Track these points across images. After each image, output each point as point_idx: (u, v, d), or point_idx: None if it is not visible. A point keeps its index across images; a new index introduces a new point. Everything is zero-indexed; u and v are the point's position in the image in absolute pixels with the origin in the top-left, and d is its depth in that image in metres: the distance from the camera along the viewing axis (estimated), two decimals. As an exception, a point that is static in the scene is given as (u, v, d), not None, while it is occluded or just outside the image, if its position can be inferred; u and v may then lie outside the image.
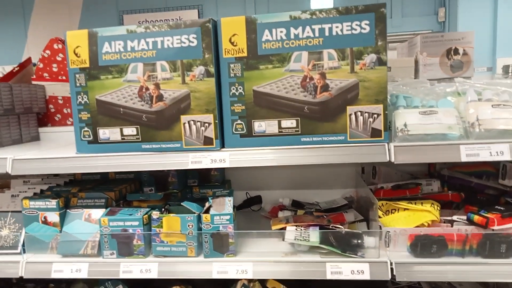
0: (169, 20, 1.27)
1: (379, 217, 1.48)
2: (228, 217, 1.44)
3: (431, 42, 2.03)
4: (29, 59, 2.25)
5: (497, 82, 1.47)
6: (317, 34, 1.31)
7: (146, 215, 1.50)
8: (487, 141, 1.28)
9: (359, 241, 1.42)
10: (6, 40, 6.18)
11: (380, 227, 1.45)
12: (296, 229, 1.50)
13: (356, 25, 1.29)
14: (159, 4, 6.40)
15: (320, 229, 1.48)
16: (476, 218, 1.40)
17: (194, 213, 1.47)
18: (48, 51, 2.11)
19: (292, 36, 1.32)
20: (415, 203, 1.49)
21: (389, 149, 1.31)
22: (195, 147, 1.40)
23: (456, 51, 2.01)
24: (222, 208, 1.47)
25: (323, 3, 6.10)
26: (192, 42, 1.35)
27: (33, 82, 2.10)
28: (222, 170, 1.99)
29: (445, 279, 1.38)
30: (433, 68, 2.03)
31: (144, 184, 1.85)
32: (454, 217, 1.48)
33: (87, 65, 1.41)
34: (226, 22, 1.34)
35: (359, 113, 1.33)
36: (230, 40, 1.35)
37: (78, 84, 1.43)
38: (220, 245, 1.45)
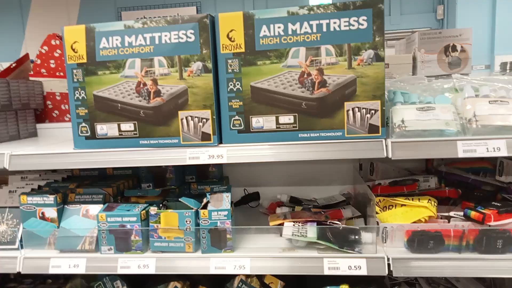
0: (167, 17, 1.27)
1: (377, 213, 1.48)
2: (226, 212, 1.44)
3: (429, 39, 2.03)
4: (26, 55, 2.24)
5: (494, 78, 1.48)
6: (314, 30, 1.31)
7: (144, 211, 1.50)
8: (484, 137, 1.28)
9: (357, 237, 1.43)
10: (3, 37, 6.15)
11: (377, 223, 1.45)
12: (293, 225, 1.50)
13: (354, 21, 1.29)
14: (157, 1, 6.38)
15: (317, 225, 1.48)
16: (473, 214, 1.40)
17: (192, 208, 1.47)
18: (45, 47, 2.10)
19: (290, 32, 1.32)
20: (412, 199, 1.50)
21: (386, 145, 1.31)
22: (192, 143, 1.40)
23: (454, 48, 2.02)
24: (220, 204, 1.47)
25: None
26: (190, 37, 1.35)
27: (31, 78, 2.10)
28: (220, 166, 1.99)
29: (442, 274, 1.39)
30: (431, 65, 2.03)
31: (142, 180, 1.85)
32: (451, 213, 1.48)
33: (85, 60, 1.41)
34: (223, 17, 1.34)
35: (356, 109, 1.33)
36: (227, 35, 1.35)
37: (75, 80, 1.43)
38: (218, 240, 1.45)
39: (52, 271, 1.49)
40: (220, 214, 1.44)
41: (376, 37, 1.29)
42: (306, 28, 1.32)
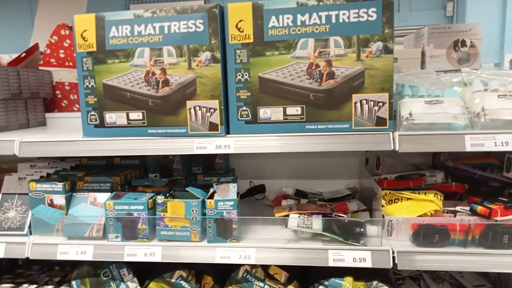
0: (176, 6, 1.28)
1: (382, 206, 1.48)
2: (232, 203, 1.45)
3: (438, 34, 2.02)
4: (36, 45, 2.26)
5: (503, 72, 1.47)
6: (323, 21, 1.31)
7: (151, 200, 1.51)
8: (492, 131, 1.28)
9: (362, 229, 1.43)
10: (12, 29, 6.20)
11: (383, 216, 1.45)
12: (299, 216, 1.51)
13: (363, 12, 1.29)
14: (165, -6, 6.38)
15: (323, 217, 1.49)
16: (479, 208, 1.40)
17: (199, 198, 1.48)
18: (55, 37, 2.12)
19: (298, 23, 1.32)
20: (419, 193, 1.49)
21: (393, 138, 1.31)
22: (200, 133, 1.41)
23: (463, 43, 2.00)
24: (226, 194, 1.48)
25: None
26: (199, 27, 1.36)
27: (40, 68, 2.11)
28: (226, 158, 2.00)
29: (447, 268, 1.39)
30: (440, 60, 2.02)
31: (149, 170, 1.86)
32: (457, 208, 1.48)
33: (94, 49, 1.42)
34: (233, 8, 1.34)
35: (364, 101, 1.33)
36: (236, 26, 1.35)
37: (85, 68, 1.44)
38: (223, 230, 1.46)
39: (60, 257, 1.51)
40: (226, 204, 1.45)
41: (385, 29, 1.29)
42: (315, 19, 1.31)
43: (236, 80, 1.38)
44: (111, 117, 1.46)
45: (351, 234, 1.43)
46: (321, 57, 1.33)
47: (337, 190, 1.97)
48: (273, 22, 1.33)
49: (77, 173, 1.71)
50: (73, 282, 1.65)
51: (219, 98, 1.38)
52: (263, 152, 1.37)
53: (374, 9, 1.28)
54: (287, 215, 1.53)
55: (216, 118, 1.39)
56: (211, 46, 1.36)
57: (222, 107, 1.38)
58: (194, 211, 1.47)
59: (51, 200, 1.58)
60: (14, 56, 2.17)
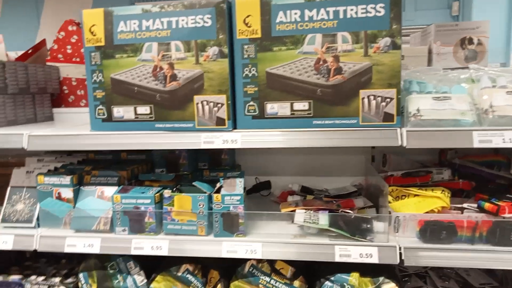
0: (184, 1, 1.29)
1: (389, 202, 1.48)
2: (238, 197, 1.45)
3: (445, 31, 2.01)
4: (43, 41, 2.27)
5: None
6: (331, 17, 1.31)
7: (158, 194, 1.52)
8: (501, 128, 1.27)
9: (368, 225, 1.43)
10: (19, 26, 6.23)
11: (390, 212, 1.45)
12: (305, 212, 1.51)
13: (371, 8, 1.29)
14: (171, -8, 6.38)
15: (329, 213, 1.49)
16: (487, 205, 1.40)
17: (205, 192, 1.48)
18: (62, 33, 2.13)
19: (306, 18, 1.32)
20: (426, 190, 1.49)
21: (401, 134, 1.31)
22: (207, 127, 1.41)
23: (470, 41, 1.99)
24: (233, 189, 1.48)
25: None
26: (207, 22, 1.36)
27: (48, 63, 2.13)
28: (232, 154, 2.01)
29: (454, 265, 1.39)
30: (447, 57, 2.01)
31: (155, 165, 1.87)
32: (465, 205, 1.48)
33: (103, 43, 1.43)
34: (240, 2, 1.34)
35: (371, 97, 1.33)
36: (244, 21, 1.35)
37: (93, 63, 1.45)
38: (230, 225, 1.47)
39: (67, 250, 1.52)
40: (233, 199, 1.46)
41: (393, 24, 1.29)
42: (322, 14, 1.32)
43: (244, 75, 1.38)
44: (118, 111, 1.47)
45: (357, 230, 1.43)
46: (329, 53, 1.33)
47: (343, 187, 1.97)
48: (281, 17, 1.33)
49: (84, 167, 1.72)
50: (80, 275, 1.66)
51: (226, 93, 1.38)
52: (270, 147, 1.37)
53: (382, 4, 1.28)
54: (293, 211, 1.53)
55: (223, 113, 1.40)
56: (219, 41, 1.36)
57: (229, 102, 1.38)
58: (201, 205, 1.47)
59: (59, 193, 1.59)
60: (20, 53, 2.19)
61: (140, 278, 1.63)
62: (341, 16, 1.30)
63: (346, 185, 2.00)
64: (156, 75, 1.42)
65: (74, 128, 1.63)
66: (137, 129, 1.45)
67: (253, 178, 2.08)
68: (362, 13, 1.29)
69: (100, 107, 1.47)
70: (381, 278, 1.48)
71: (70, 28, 2.13)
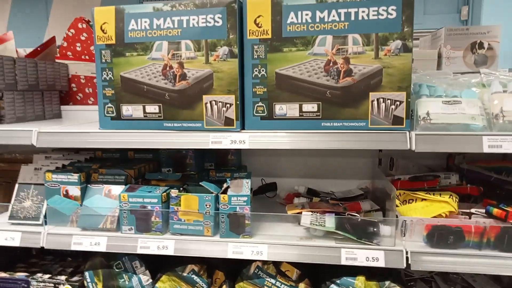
0: (196, 0, 1.29)
1: (396, 206, 1.47)
2: (245, 198, 1.45)
3: (456, 35, 2.00)
4: (53, 38, 2.28)
5: (523, 74, 1.45)
6: (342, 18, 1.31)
7: (165, 193, 1.52)
8: (511, 133, 1.26)
9: (375, 229, 1.42)
10: (28, 23, 6.27)
11: (397, 216, 1.45)
12: (312, 214, 1.51)
13: (383, 10, 1.28)
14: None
15: (335, 216, 1.48)
16: (495, 211, 1.38)
17: (212, 193, 1.48)
18: (72, 30, 2.14)
19: (317, 20, 1.32)
20: (433, 194, 1.48)
21: (410, 137, 1.30)
22: (215, 127, 1.41)
23: (480, 45, 1.98)
24: (240, 190, 1.48)
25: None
26: (217, 22, 1.36)
27: (57, 61, 2.14)
28: (238, 155, 2.01)
29: (461, 270, 1.37)
30: (456, 61, 2.00)
31: (162, 165, 1.88)
32: (473, 210, 1.47)
33: (113, 41, 1.43)
34: (251, 3, 1.34)
35: (381, 100, 1.32)
36: (255, 21, 1.35)
37: (103, 60, 1.45)
38: (236, 225, 1.46)
39: (74, 247, 1.52)
40: (239, 200, 1.45)
41: (405, 27, 1.28)
42: (334, 16, 1.31)
43: (253, 76, 1.38)
44: (127, 109, 1.47)
45: (364, 233, 1.42)
46: (339, 54, 1.32)
47: (349, 190, 1.96)
48: (292, 18, 1.33)
49: (91, 165, 1.72)
50: (86, 273, 1.66)
51: (235, 93, 1.38)
52: (278, 148, 1.37)
53: (394, 7, 1.27)
54: (300, 213, 1.53)
55: (232, 113, 1.39)
56: (229, 41, 1.36)
57: (238, 102, 1.38)
58: (208, 206, 1.47)
59: (66, 190, 1.59)
60: (29, 50, 2.20)
61: (146, 278, 1.63)
62: (352, 18, 1.30)
63: (352, 188, 1.99)
64: (166, 74, 1.42)
65: (82, 126, 1.64)
66: (146, 127, 1.45)
67: (259, 179, 2.08)
68: (373, 15, 1.29)
69: (109, 105, 1.48)
70: (387, 282, 1.47)
71: (80, 25, 2.14)
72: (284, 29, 1.34)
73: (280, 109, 1.39)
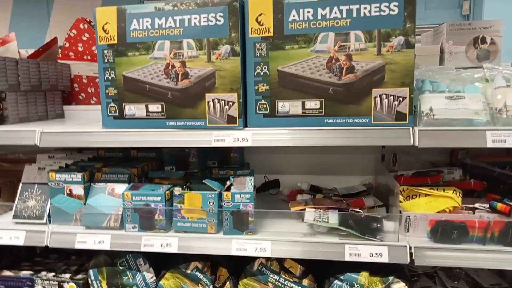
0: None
1: (400, 202, 1.48)
2: (248, 195, 1.45)
3: (458, 30, 1.99)
4: (54, 39, 2.29)
5: (526, 69, 1.44)
6: (344, 15, 1.31)
7: (168, 191, 1.52)
8: (515, 128, 1.26)
9: (379, 225, 1.42)
10: (29, 24, 6.28)
11: (400, 212, 1.45)
12: (315, 210, 1.51)
13: (385, 6, 1.28)
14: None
15: (339, 212, 1.48)
16: (499, 205, 1.38)
17: (216, 190, 1.49)
18: (74, 31, 2.14)
19: (319, 17, 1.32)
20: (437, 189, 1.48)
21: (413, 133, 1.30)
22: (218, 126, 1.41)
23: (483, 40, 1.97)
24: (243, 187, 1.48)
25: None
26: (219, 20, 1.36)
27: (59, 61, 2.14)
28: (241, 153, 2.01)
29: (465, 265, 1.38)
30: (459, 57, 1.99)
31: (165, 163, 1.88)
32: (476, 205, 1.47)
33: (115, 41, 1.44)
34: (253, 1, 1.34)
35: (384, 96, 1.32)
36: (256, 19, 1.35)
37: (106, 60, 1.46)
38: (240, 223, 1.47)
39: (78, 246, 1.53)
40: (243, 197, 1.46)
41: (407, 23, 1.28)
42: (335, 13, 1.31)
43: (255, 74, 1.38)
44: (130, 109, 1.47)
45: (367, 229, 1.42)
46: (341, 51, 1.32)
47: (352, 186, 1.96)
48: (294, 16, 1.33)
49: (95, 164, 1.73)
50: (90, 271, 1.67)
51: (238, 91, 1.38)
52: (281, 145, 1.37)
53: (396, 3, 1.27)
54: (303, 209, 1.53)
55: (234, 111, 1.40)
56: (231, 39, 1.36)
57: (240, 100, 1.38)
58: (211, 203, 1.48)
59: (70, 190, 1.60)
60: (31, 50, 2.21)
61: (150, 275, 1.63)
62: (354, 14, 1.30)
63: (355, 184, 1.99)
64: (168, 73, 1.42)
65: (85, 126, 1.65)
66: (149, 126, 1.46)
67: (262, 176, 2.08)
68: (375, 11, 1.29)
69: (112, 104, 1.48)
70: (390, 278, 1.47)
71: (81, 26, 2.14)
72: (286, 26, 1.34)
73: (283, 106, 1.39)
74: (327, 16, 1.31)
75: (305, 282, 1.55)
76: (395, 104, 1.32)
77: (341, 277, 1.48)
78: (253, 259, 1.58)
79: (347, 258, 1.39)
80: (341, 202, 1.63)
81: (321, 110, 1.36)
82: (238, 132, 1.39)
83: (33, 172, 1.71)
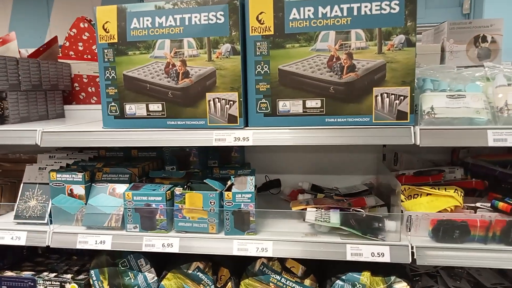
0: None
1: (401, 201, 1.47)
2: (249, 195, 1.45)
3: (459, 29, 1.98)
4: (55, 38, 2.28)
5: (528, 67, 1.44)
6: (345, 14, 1.30)
7: (169, 191, 1.52)
8: (516, 126, 1.26)
9: (380, 224, 1.42)
10: (29, 24, 6.28)
11: (402, 211, 1.44)
12: (316, 210, 1.50)
13: (386, 4, 1.28)
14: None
15: (340, 211, 1.48)
16: (500, 205, 1.38)
17: (217, 190, 1.48)
18: (74, 30, 2.14)
19: (320, 15, 1.32)
20: (438, 189, 1.48)
21: (414, 132, 1.30)
22: (219, 125, 1.41)
23: (484, 39, 1.97)
24: (244, 187, 1.48)
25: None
26: (220, 19, 1.36)
27: (59, 60, 2.14)
28: (242, 152, 2.00)
29: (467, 264, 1.37)
30: (460, 55, 1.99)
31: (166, 163, 1.88)
32: (478, 204, 1.46)
33: (116, 40, 1.43)
34: (254, -1, 1.34)
35: (385, 95, 1.32)
36: (257, 18, 1.35)
37: (106, 60, 1.45)
38: (241, 222, 1.47)
39: (79, 246, 1.53)
40: (244, 197, 1.45)
41: (408, 22, 1.27)
42: (336, 11, 1.31)
43: (256, 72, 1.38)
44: (131, 108, 1.47)
45: (369, 228, 1.42)
46: (342, 50, 1.32)
47: (353, 185, 1.96)
48: (294, 14, 1.33)
49: (96, 164, 1.73)
50: (92, 272, 1.67)
51: (238, 90, 1.38)
52: (282, 145, 1.36)
53: (397, 1, 1.27)
54: (304, 209, 1.53)
55: (235, 110, 1.39)
56: (232, 38, 1.36)
57: (241, 99, 1.38)
58: (212, 203, 1.47)
59: (71, 190, 1.60)
60: (31, 50, 2.20)
61: (151, 276, 1.63)
62: (355, 13, 1.29)
63: (357, 183, 1.99)
64: (169, 72, 1.42)
65: (86, 125, 1.64)
66: (149, 126, 1.46)
67: (263, 176, 2.08)
68: (376, 10, 1.28)
69: (113, 104, 1.48)
70: (392, 277, 1.47)
71: (81, 25, 2.14)
72: (286, 25, 1.33)
73: (284, 105, 1.38)
74: (328, 15, 1.31)
75: (307, 282, 1.54)
76: (396, 103, 1.31)
77: (343, 277, 1.48)
78: (254, 259, 1.58)
79: (349, 257, 1.39)
80: (342, 202, 1.63)
81: (322, 109, 1.36)
82: (239, 132, 1.39)
83: (34, 172, 1.71)
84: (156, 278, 1.64)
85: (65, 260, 1.93)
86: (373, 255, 1.38)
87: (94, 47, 2.14)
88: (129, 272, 1.64)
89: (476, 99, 1.33)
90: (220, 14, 1.35)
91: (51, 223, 1.60)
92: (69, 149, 2.02)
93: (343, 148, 2.00)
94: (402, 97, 1.31)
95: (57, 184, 1.60)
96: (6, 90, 1.72)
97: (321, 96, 1.35)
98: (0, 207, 1.78)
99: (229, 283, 1.58)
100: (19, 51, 2.08)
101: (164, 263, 1.68)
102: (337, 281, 1.48)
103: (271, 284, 1.54)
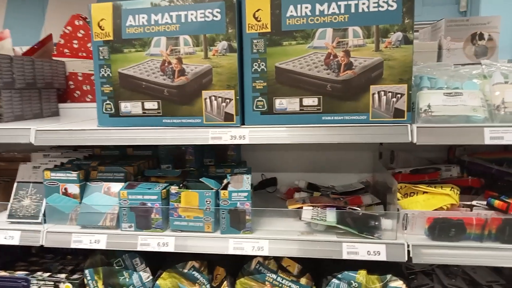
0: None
1: (398, 199, 1.47)
2: (245, 194, 1.44)
3: (456, 27, 1.98)
4: (49, 36, 2.26)
5: (525, 65, 1.44)
6: (342, 11, 1.29)
7: (165, 190, 1.51)
8: (513, 124, 1.25)
9: (376, 222, 1.42)
10: (24, 21, 6.23)
11: (398, 210, 1.44)
12: (312, 209, 1.50)
13: (383, 2, 1.27)
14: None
15: (336, 210, 1.48)
16: (496, 203, 1.38)
17: (212, 189, 1.47)
18: (69, 27, 2.12)
19: (317, 12, 1.31)
20: (435, 187, 1.48)
21: (411, 130, 1.29)
22: (215, 123, 1.40)
23: (481, 36, 1.96)
24: (240, 185, 1.47)
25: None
26: (216, 16, 1.34)
27: (54, 58, 2.12)
28: (238, 150, 2.00)
29: (463, 263, 1.37)
30: (457, 53, 1.99)
31: (161, 161, 1.87)
32: (474, 202, 1.46)
33: (111, 38, 1.42)
34: (250, -3, 1.33)
35: (382, 93, 1.31)
36: (254, 15, 1.34)
37: (101, 57, 1.44)
38: (237, 221, 1.46)
39: (73, 245, 1.51)
40: (240, 195, 1.45)
41: (406, 19, 1.27)
42: (333, 8, 1.30)
43: (253, 70, 1.37)
44: (126, 106, 1.46)
45: (365, 227, 1.42)
46: (339, 48, 1.31)
47: (350, 184, 1.96)
48: (291, 12, 1.32)
49: (90, 162, 1.71)
50: (86, 271, 1.66)
51: (235, 88, 1.37)
52: (279, 143, 1.36)
53: (394, -1, 1.26)
54: (300, 208, 1.52)
55: (231, 108, 1.38)
56: (228, 35, 1.35)
57: (237, 97, 1.37)
58: (208, 202, 1.46)
59: (65, 188, 1.58)
60: (25, 48, 2.18)
61: (146, 275, 1.62)
62: (352, 10, 1.29)
63: (353, 182, 1.99)
64: (165, 70, 1.40)
65: (81, 123, 1.63)
66: (145, 124, 1.44)
67: (259, 174, 2.07)
68: (374, 7, 1.28)
69: (108, 102, 1.46)
70: (388, 276, 1.47)
71: (76, 22, 2.12)
72: (283, 22, 1.32)
73: (280, 103, 1.38)
74: (325, 12, 1.30)
75: (303, 281, 1.54)
76: (393, 101, 1.31)
77: (339, 276, 1.48)
78: (250, 258, 1.57)
79: (345, 256, 1.38)
80: (338, 200, 1.62)
81: (319, 107, 1.35)
82: (235, 130, 1.38)
83: (28, 171, 1.69)
84: (151, 277, 1.63)
85: (59, 259, 1.91)
86: (369, 253, 1.38)
87: (89, 44, 2.12)
88: (124, 272, 1.63)
89: (473, 97, 1.33)
90: (217, 11, 1.34)
91: (45, 222, 1.59)
92: (64, 148, 2.00)
93: (340, 146, 2.00)
94: (399, 95, 1.30)
95: (51, 183, 1.58)
96: (0, 88, 1.70)
97: (318, 94, 1.35)
98: (-6, 206, 1.77)
99: (225, 282, 1.57)
100: (14, 49, 2.05)
101: (159, 262, 1.67)
102: (333, 280, 1.48)
103: (267, 283, 1.54)
